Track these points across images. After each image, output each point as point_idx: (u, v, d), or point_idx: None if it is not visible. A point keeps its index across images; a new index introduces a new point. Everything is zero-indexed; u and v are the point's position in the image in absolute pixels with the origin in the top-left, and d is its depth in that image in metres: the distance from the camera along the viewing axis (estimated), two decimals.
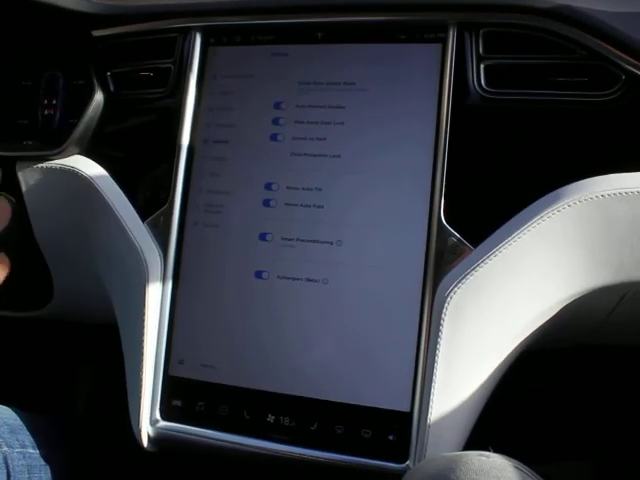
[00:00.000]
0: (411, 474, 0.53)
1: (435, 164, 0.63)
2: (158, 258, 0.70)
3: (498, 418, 0.76)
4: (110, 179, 0.73)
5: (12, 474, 0.67)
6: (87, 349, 1.10)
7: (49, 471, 0.71)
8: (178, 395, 0.69)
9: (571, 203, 0.59)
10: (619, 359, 0.93)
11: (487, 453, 0.50)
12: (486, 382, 0.62)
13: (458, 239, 0.62)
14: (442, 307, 0.60)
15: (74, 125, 0.74)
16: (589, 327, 0.75)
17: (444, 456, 0.53)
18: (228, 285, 0.68)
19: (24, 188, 0.76)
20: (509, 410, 0.90)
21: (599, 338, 0.80)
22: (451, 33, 0.65)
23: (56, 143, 0.74)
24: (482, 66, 0.65)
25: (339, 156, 0.66)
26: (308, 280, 0.66)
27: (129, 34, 0.75)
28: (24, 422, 0.72)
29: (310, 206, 0.66)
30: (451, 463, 0.49)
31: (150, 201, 0.72)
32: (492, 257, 0.60)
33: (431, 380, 0.60)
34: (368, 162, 0.65)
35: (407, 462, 0.61)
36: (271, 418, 0.65)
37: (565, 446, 0.94)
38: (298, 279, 0.66)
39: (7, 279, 0.76)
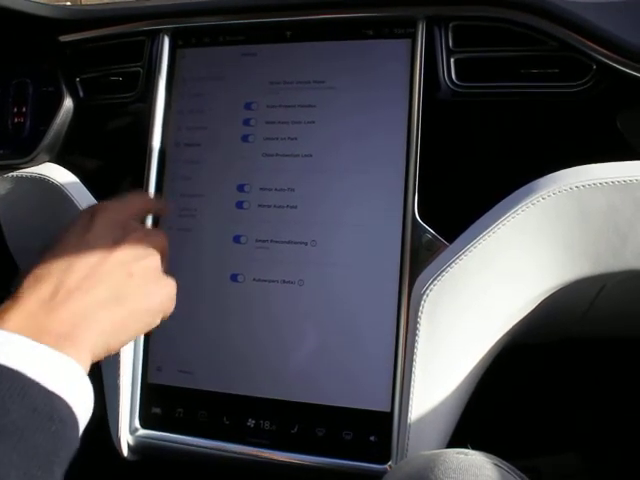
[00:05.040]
0: (390, 475, 0.52)
1: (408, 161, 0.63)
2: None
3: (483, 414, 0.75)
4: (82, 186, 0.72)
5: None
6: None
7: None
8: (157, 402, 0.68)
9: (545, 195, 0.59)
10: (601, 352, 0.93)
11: (466, 451, 0.50)
12: (467, 379, 0.62)
13: (433, 235, 0.62)
14: (418, 305, 0.60)
15: (44, 132, 0.73)
16: (570, 320, 0.75)
17: (423, 455, 0.52)
18: (204, 289, 0.67)
19: None
20: (494, 406, 0.89)
21: (581, 331, 0.80)
22: (420, 28, 0.64)
23: (26, 151, 0.74)
24: (452, 60, 0.64)
25: (311, 155, 0.66)
26: (284, 282, 0.65)
27: (96, 38, 0.75)
28: None
29: (283, 207, 0.66)
30: (430, 462, 0.48)
31: None
32: (467, 253, 0.60)
33: (410, 379, 0.60)
34: (340, 161, 0.65)
35: (389, 463, 0.61)
36: (251, 422, 0.65)
37: (551, 439, 0.94)
38: (274, 281, 0.65)
39: None
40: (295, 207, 0.65)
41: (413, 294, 0.61)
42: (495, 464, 0.48)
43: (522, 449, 0.90)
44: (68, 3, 0.95)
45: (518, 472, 0.49)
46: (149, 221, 0.69)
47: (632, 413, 0.93)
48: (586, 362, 0.95)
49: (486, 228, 0.60)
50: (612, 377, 0.95)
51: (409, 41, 0.65)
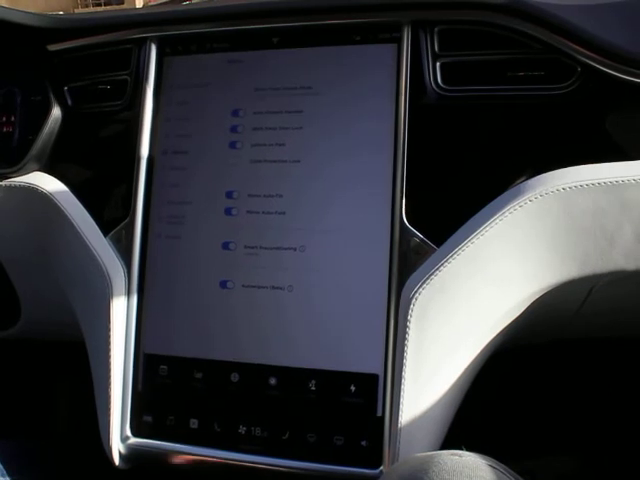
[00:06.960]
0: (385, 477, 0.52)
1: (395, 165, 0.63)
2: (122, 272, 0.69)
3: (477, 417, 0.75)
4: (70, 194, 0.72)
5: None
6: (63, 367, 1.08)
7: None
8: (148, 410, 0.67)
9: (532, 198, 0.59)
10: (594, 352, 0.93)
11: (460, 452, 0.50)
12: (458, 382, 0.62)
13: (421, 239, 0.62)
14: (408, 308, 0.60)
15: (32, 141, 0.74)
16: (561, 321, 0.75)
17: (417, 457, 0.52)
18: (193, 296, 0.67)
19: None
20: (488, 408, 0.89)
21: (573, 332, 0.80)
22: (405, 32, 0.65)
23: (14, 160, 0.74)
24: (438, 64, 0.65)
25: (299, 161, 0.66)
26: (273, 288, 0.65)
27: (84, 47, 0.75)
28: None
29: (272, 213, 0.66)
30: (424, 464, 0.48)
31: (112, 215, 0.71)
32: (455, 256, 0.60)
33: (400, 383, 0.60)
34: (328, 166, 0.65)
35: (381, 467, 0.60)
36: (242, 429, 0.64)
37: (546, 441, 0.94)
38: (263, 287, 0.65)
39: None
40: (283, 213, 0.65)
41: (402, 298, 0.61)
42: (490, 465, 0.48)
43: (516, 452, 0.90)
44: (61, 13, 0.95)
45: (513, 473, 0.49)
46: (137, 230, 0.69)
47: (627, 414, 0.93)
48: (580, 363, 0.95)
49: (474, 231, 0.60)
50: (607, 378, 0.95)
51: (395, 46, 0.65)
